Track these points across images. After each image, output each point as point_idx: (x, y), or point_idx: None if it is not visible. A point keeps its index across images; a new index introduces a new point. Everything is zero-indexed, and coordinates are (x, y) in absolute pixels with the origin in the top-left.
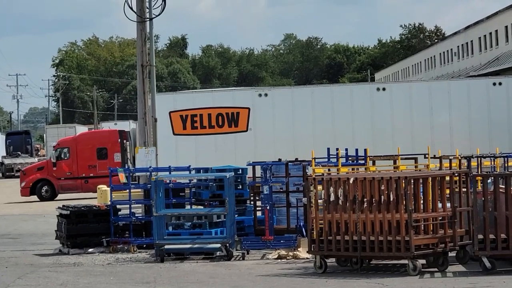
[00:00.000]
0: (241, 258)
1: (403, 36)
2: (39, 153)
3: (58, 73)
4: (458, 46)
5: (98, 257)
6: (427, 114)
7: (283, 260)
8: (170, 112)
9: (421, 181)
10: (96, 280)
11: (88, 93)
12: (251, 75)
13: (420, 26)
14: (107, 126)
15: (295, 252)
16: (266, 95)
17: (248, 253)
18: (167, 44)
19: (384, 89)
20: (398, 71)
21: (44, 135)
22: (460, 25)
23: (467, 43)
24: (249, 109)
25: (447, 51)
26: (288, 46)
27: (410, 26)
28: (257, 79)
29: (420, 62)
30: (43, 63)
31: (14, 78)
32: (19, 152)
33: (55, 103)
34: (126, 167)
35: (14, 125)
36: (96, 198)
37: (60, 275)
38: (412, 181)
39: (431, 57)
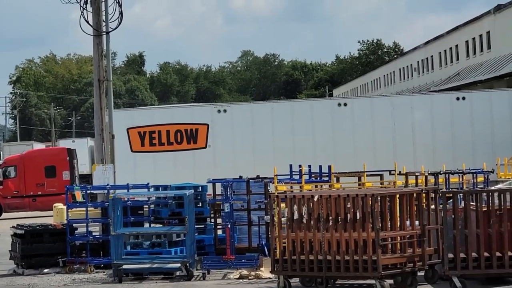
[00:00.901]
0: (201, 278)
1: (361, 52)
2: None
3: (15, 90)
4: (418, 62)
5: (54, 277)
6: (389, 129)
7: (245, 280)
8: (128, 129)
9: (388, 198)
10: None
11: (46, 111)
12: (209, 92)
13: (378, 42)
14: (64, 143)
15: (257, 272)
16: (225, 111)
17: (209, 273)
18: (125, 61)
19: (345, 104)
20: (357, 87)
21: (1, 152)
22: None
23: (427, 58)
24: (208, 125)
25: (407, 66)
26: (246, 63)
27: (368, 42)
28: (214, 96)
29: (379, 77)
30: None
31: None
32: None
33: (13, 120)
34: (76, 185)
35: None
36: (43, 216)
37: None
38: (379, 198)
39: (390, 73)
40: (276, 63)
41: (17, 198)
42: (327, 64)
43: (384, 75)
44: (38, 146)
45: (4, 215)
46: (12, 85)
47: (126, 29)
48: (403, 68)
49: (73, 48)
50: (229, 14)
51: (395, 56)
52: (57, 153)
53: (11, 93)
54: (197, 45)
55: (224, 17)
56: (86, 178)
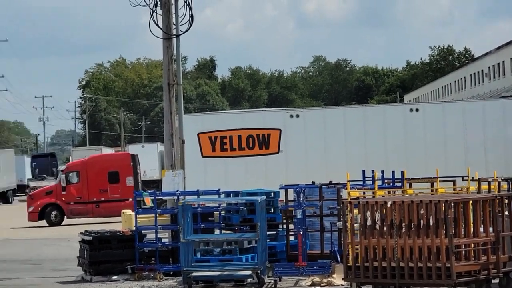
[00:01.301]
0: (273, 286)
1: (432, 57)
2: None
3: (85, 95)
4: (489, 67)
5: (123, 285)
6: (460, 134)
7: (317, 287)
8: (198, 134)
9: (461, 204)
10: None
11: (115, 115)
12: (281, 97)
13: (449, 48)
14: (134, 148)
15: (329, 279)
16: (297, 116)
17: (280, 280)
18: (196, 66)
19: (417, 109)
20: (428, 93)
21: (70, 157)
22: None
23: (498, 63)
24: (280, 130)
25: (478, 72)
26: (317, 68)
27: (439, 48)
28: (286, 101)
29: (450, 83)
30: (69, 85)
31: (41, 100)
32: (45, 175)
33: (82, 125)
34: (144, 191)
35: (40, 147)
36: (106, 222)
37: None
38: (453, 204)
39: (461, 79)
40: (347, 68)
41: (80, 204)
42: (398, 70)
43: (455, 81)
44: (107, 151)
45: (68, 221)
46: (82, 89)
47: (197, 33)
48: (474, 73)
49: (143, 52)
50: (301, 18)
51: (466, 62)
52: (121, 158)
53: (80, 97)
54: (268, 49)
55: (296, 21)
56: (156, 184)
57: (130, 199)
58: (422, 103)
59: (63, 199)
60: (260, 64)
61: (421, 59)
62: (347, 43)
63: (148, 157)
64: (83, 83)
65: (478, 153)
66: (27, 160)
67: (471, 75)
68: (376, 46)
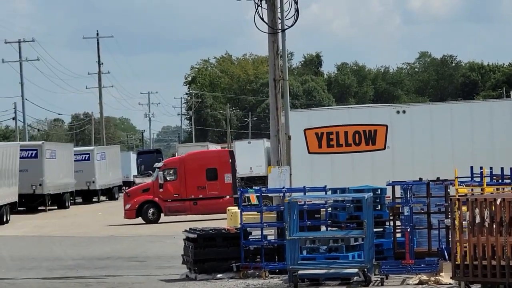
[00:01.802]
0: (379, 284)
1: None
2: None
3: (191, 91)
4: None
5: (227, 283)
6: None
7: (424, 285)
8: (304, 130)
9: None
10: None
11: (221, 111)
12: (387, 93)
13: None
14: (240, 145)
15: (437, 277)
16: (404, 112)
17: (387, 278)
18: (302, 62)
19: None
20: None
21: (176, 154)
22: None
23: None
24: (386, 126)
25: None
26: (423, 64)
27: None
28: (392, 97)
29: None
30: (175, 81)
31: (146, 96)
32: (151, 171)
33: (188, 121)
34: (245, 188)
35: (146, 143)
36: (205, 220)
37: None
38: None
39: None
40: (453, 64)
41: (178, 201)
42: (505, 66)
43: None
44: (213, 147)
45: (165, 218)
46: (188, 85)
47: (303, 29)
48: None
49: (249, 48)
50: (406, 14)
51: None
52: (219, 155)
53: (186, 93)
54: (374, 45)
55: (401, 18)
56: (262, 180)
57: (228, 196)
58: None
59: (160, 196)
60: (366, 60)
61: None
62: (453, 39)
63: (254, 154)
64: (189, 79)
65: None
66: (133, 156)
67: None
68: (482, 42)
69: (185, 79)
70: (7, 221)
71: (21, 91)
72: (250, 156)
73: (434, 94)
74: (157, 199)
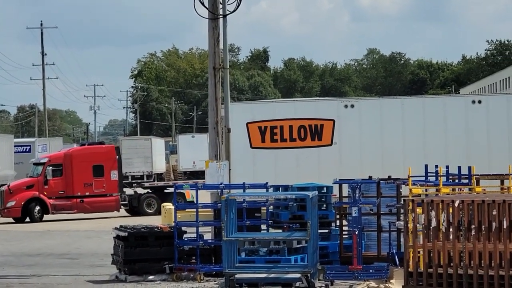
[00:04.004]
0: None
1: (488, 52)
2: None
3: (137, 84)
4: None
5: (159, 286)
6: None
7: None
8: (247, 123)
9: None
10: None
11: (167, 105)
12: (334, 89)
13: (507, 42)
14: (183, 138)
15: (386, 285)
16: (352, 106)
17: (332, 284)
18: (248, 57)
19: (480, 101)
20: (485, 87)
21: (120, 147)
22: None
23: None
24: (334, 121)
25: None
26: (371, 61)
27: (496, 42)
28: (340, 93)
29: (509, 77)
30: (122, 75)
31: (92, 89)
32: None
33: (133, 114)
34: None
35: (92, 136)
36: (91, 218)
37: None
38: None
39: None
40: (402, 61)
41: (64, 198)
42: (453, 64)
43: None
44: (157, 141)
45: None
46: (134, 79)
47: (251, 25)
48: None
49: (196, 42)
50: (355, 12)
51: None
52: (106, 151)
53: (132, 87)
54: (322, 42)
55: (350, 15)
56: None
57: (114, 194)
58: (486, 94)
59: (45, 193)
60: (313, 56)
61: (477, 53)
62: (402, 37)
63: (198, 148)
64: (135, 72)
65: None
66: None
67: None
68: (431, 40)
69: (131, 72)
70: None
71: None
72: (193, 150)
73: (382, 91)
74: (42, 196)
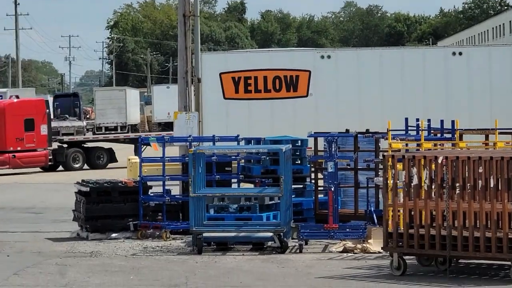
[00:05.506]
0: (297, 251)
1: (466, 5)
2: (88, 116)
3: (112, 35)
4: None
5: (122, 244)
6: (509, 80)
7: (349, 254)
8: (220, 74)
9: None
10: (111, 280)
11: (143, 56)
12: (311, 41)
13: None
14: (158, 89)
15: (364, 245)
16: (329, 57)
17: (306, 244)
18: (225, 9)
19: (460, 53)
20: (463, 40)
21: (94, 98)
22: None
23: None
24: (309, 72)
25: None
26: (348, 14)
27: None
28: (317, 45)
29: (488, 30)
30: (97, 25)
31: (67, 39)
32: (67, 115)
33: (109, 65)
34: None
35: (67, 87)
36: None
37: (68, 271)
38: None
39: (500, 25)
40: (379, 14)
41: None
42: (431, 17)
43: (493, 27)
44: (132, 91)
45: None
46: (110, 30)
47: None
48: None
49: None
50: None
51: (505, 8)
52: (36, 104)
53: (108, 38)
54: None
55: None
56: None
57: (44, 149)
58: (466, 46)
59: None
60: (290, 9)
61: (454, 6)
62: None
63: (173, 99)
64: (111, 23)
65: None
66: (50, 99)
67: (510, 21)
68: None
69: (107, 23)
70: None
71: None
72: (168, 102)
73: (359, 43)
74: None
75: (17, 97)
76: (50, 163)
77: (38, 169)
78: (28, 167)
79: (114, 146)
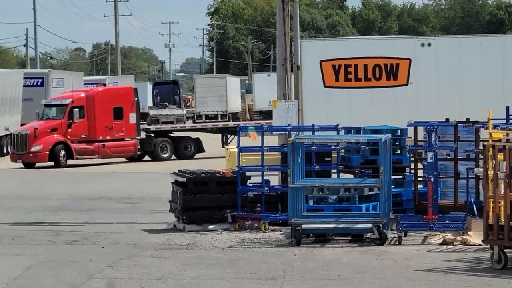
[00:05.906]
0: (396, 242)
1: None
2: (188, 104)
3: (213, 22)
4: None
5: (220, 236)
6: None
7: (448, 246)
8: (321, 61)
9: None
10: (207, 273)
11: (244, 43)
12: (411, 29)
13: None
14: (259, 77)
15: (464, 237)
16: (429, 45)
17: (405, 235)
18: None
19: None
20: None
21: (194, 85)
22: None
23: None
24: (410, 60)
25: None
26: (449, 1)
27: None
28: (417, 33)
29: None
30: (198, 12)
31: (167, 26)
32: (166, 103)
33: (210, 53)
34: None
35: (167, 75)
36: (112, 164)
37: (163, 264)
38: None
39: None
40: (480, 2)
41: (87, 142)
42: None
43: None
44: (232, 79)
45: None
46: (210, 16)
47: None
48: None
49: None
50: None
51: None
52: (125, 92)
53: (208, 24)
54: None
55: None
56: None
57: (131, 139)
58: None
59: (69, 137)
60: None
61: None
62: None
63: (274, 87)
64: (212, 10)
65: None
66: (149, 87)
67: None
68: None
69: (208, 10)
70: (7, 153)
71: (33, 17)
72: (269, 89)
73: (460, 31)
74: (67, 140)
75: (104, 85)
76: (138, 152)
77: (123, 159)
78: (117, 157)
79: (203, 136)
